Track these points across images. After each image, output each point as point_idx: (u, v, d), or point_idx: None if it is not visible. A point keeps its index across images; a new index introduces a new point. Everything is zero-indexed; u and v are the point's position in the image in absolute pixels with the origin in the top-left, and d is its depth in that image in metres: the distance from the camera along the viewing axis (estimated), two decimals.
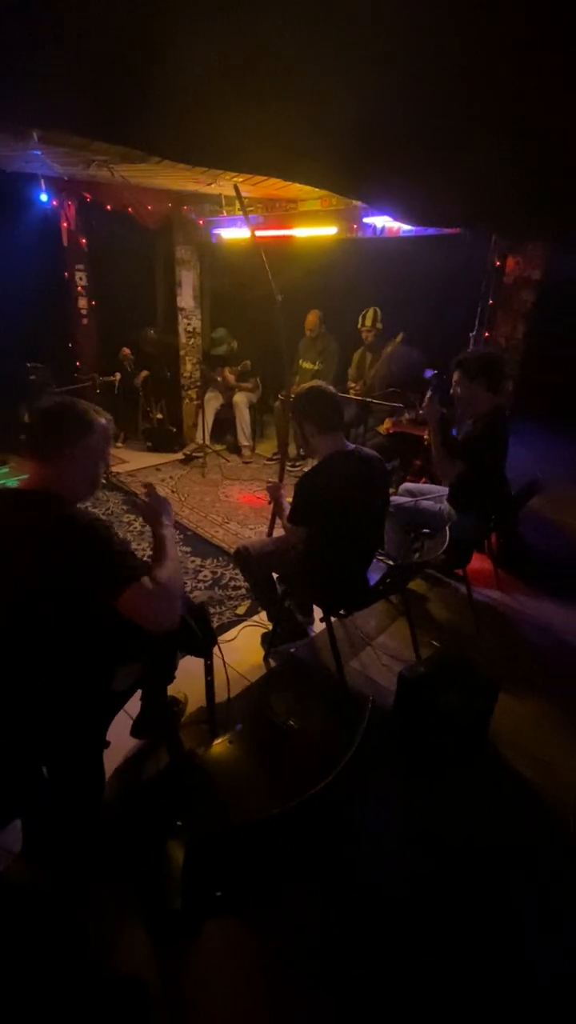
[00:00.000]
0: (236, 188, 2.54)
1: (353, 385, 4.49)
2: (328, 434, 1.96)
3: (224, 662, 1.67)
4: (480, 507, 2.59)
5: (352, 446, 2.02)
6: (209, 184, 3.70)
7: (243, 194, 3.87)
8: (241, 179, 3.28)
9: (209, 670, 1.64)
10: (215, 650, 1.69)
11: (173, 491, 4.34)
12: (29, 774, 1.24)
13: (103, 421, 1.33)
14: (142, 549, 3.41)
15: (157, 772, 1.69)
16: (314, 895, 1.37)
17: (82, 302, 5.21)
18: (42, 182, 4.17)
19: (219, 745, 1.33)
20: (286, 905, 1.29)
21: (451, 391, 2.54)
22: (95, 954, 1.24)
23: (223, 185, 3.70)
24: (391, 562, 2.31)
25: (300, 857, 1.03)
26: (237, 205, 4.35)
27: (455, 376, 2.48)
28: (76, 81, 1.25)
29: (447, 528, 2.18)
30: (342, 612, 2.17)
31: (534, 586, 3.10)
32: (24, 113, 1.61)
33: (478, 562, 3.15)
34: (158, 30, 1.00)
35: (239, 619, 2.71)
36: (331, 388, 2.00)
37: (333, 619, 2.11)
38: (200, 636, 1.51)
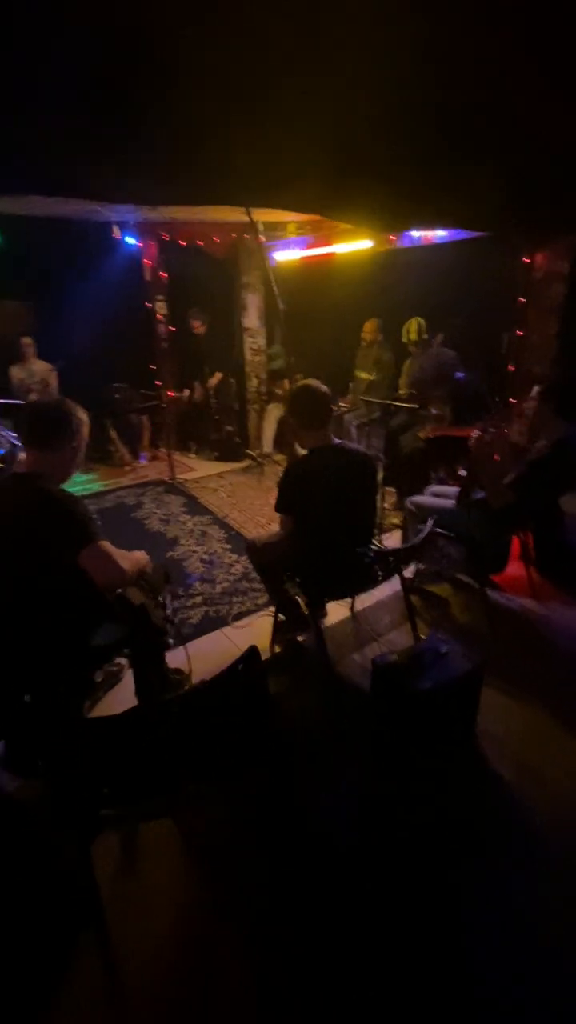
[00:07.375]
0: (248, 213, 2.77)
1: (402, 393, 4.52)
2: (313, 430, 2.10)
3: (189, 659, 1.96)
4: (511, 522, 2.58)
5: (338, 441, 2.14)
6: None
7: (290, 218, 4.17)
8: None
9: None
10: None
11: (229, 496, 4.67)
12: (11, 702, 1.52)
13: (84, 418, 1.62)
14: (188, 546, 3.74)
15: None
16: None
17: (162, 328, 5.83)
18: (115, 228, 4.85)
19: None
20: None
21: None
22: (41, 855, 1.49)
23: (259, 212, 3.98)
24: (377, 549, 2.35)
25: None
26: (289, 228, 4.69)
27: (533, 391, 2.50)
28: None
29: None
30: (327, 600, 2.26)
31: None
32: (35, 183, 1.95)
33: (517, 569, 3.03)
34: (154, 66, 1.06)
35: (258, 608, 2.90)
36: (323, 387, 2.13)
37: (346, 614, 2.19)
38: (144, 636, 1.74)
